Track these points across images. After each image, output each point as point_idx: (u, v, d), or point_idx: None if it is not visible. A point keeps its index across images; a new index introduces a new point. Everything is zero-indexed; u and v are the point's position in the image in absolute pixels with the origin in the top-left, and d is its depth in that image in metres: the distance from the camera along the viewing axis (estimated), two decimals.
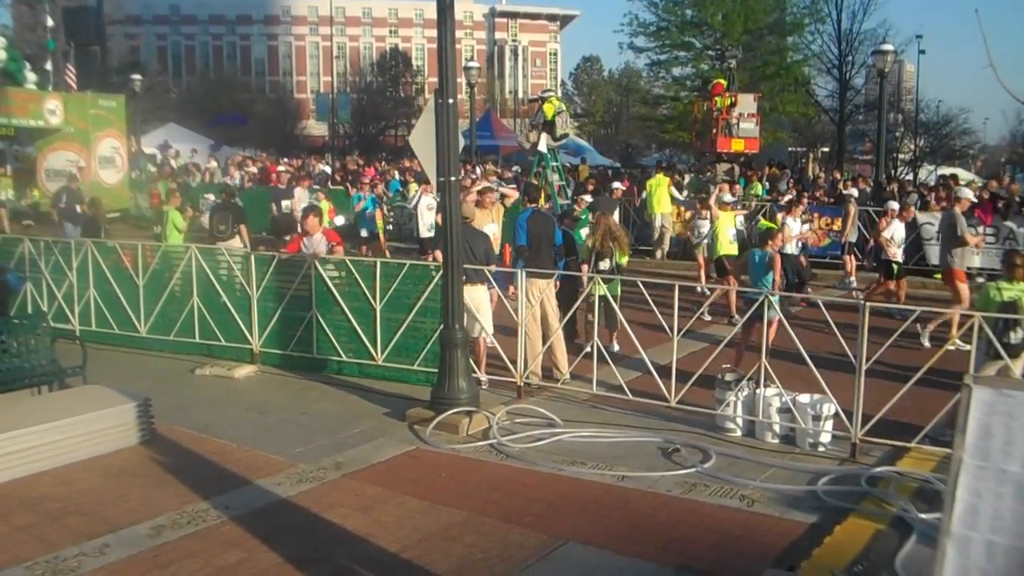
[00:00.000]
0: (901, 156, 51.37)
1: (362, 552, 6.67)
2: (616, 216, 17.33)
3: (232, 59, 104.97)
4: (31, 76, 27.00)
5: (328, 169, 35.79)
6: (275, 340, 12.24)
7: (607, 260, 12.15)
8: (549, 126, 20.49)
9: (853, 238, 19.85)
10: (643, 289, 10.30)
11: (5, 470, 8.09)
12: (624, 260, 12.64)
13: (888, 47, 26.60)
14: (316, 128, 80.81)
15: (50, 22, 31.86)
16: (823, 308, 9.29)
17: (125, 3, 69.36)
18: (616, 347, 12.23)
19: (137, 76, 40.23)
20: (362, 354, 11.56)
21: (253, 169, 32.36)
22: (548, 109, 20.63)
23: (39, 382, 10.13)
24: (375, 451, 8.88)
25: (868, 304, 8.64)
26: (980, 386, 3.86)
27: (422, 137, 9.87)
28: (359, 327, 11.51)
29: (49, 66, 27.80)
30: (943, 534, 3.82)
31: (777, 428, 9.13)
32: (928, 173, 45.12)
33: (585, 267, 12.58)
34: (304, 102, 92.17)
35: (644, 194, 23.98)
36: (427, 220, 19.34)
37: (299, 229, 13.58)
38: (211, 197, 24.33)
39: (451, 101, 9.39)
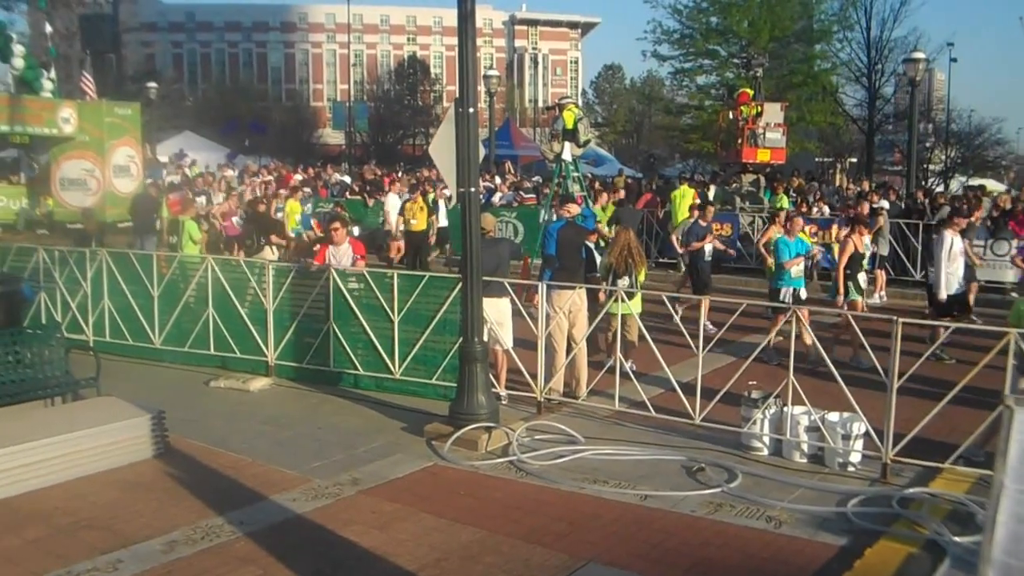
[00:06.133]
0: (932, 167, 50.82)
1: (379, 571, 6.56)
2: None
3: (248, 67, 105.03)
4: (48, 84, 26.99)
5: (347, 179, 35.65)
6: (291, 352, 12.14)
7: (626, 278, 11.92)
8: (571, 134, 20.28)
9: (884, 252, 19.51)
10: (668, 304, 10.13)
11: (18, 482, 8.02)
12: (642, 278, 12.43)
13: (919, 55, 26.33)
14: (333, 137, 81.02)
15: (48, 28, 31.81)
16: (853, 323, 9.13)
17: (141, 10, 69.67)
18: (633, 366, 11.98)
19: (152, 84, 40.29)
20: (379, 367, 11.44)
21: (269, 178, 32.29)
22: (568, 117, 20.37)
23: (52, 393, 10.07)
24: (392, 467, 8.75)
25: (900, 320, 8.44)
26: (1022, 407, 3.67)
27: (442, 147, 9.74)
28: (377, 340, 11.38)
29: (53, 74, 27.71)
30: (983, 561, 3.65)
31: (805, 447, 8.94)
32: (959, 184, 44.61)
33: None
34: (321, 110, 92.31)
35: (668, 206, 23.73)
36: None
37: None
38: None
39: (471, 110, 9.24)
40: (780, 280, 13.71)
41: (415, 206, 21.63)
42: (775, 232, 16.13)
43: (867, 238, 14.84)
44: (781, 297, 13.41)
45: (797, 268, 13.68)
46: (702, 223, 16.44)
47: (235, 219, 22.06)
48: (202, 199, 24.36)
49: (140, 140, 27.75)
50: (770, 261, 14.98)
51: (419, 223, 21.43)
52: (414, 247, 21.58)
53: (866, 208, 18.90)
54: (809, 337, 11.37)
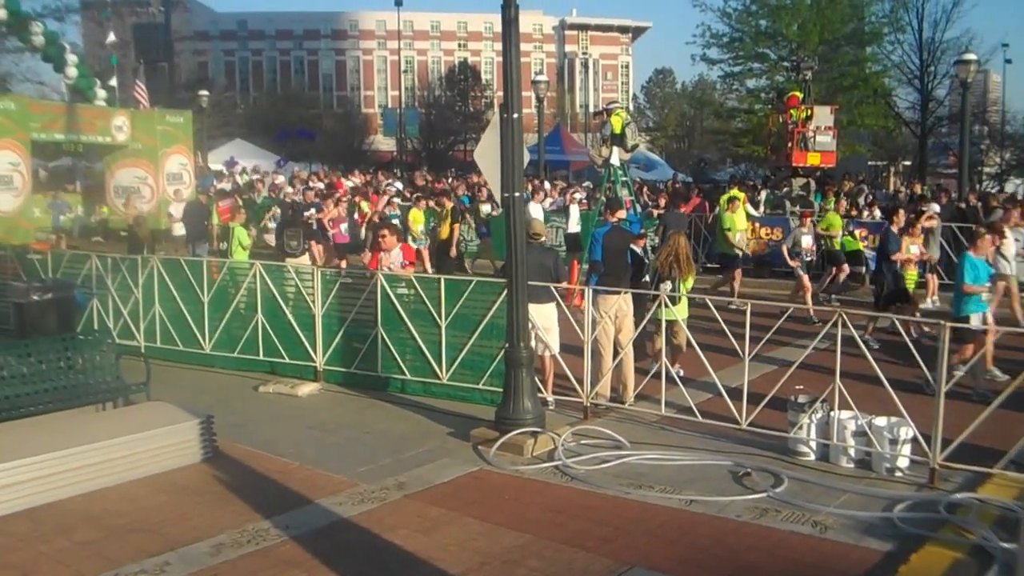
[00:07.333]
0: (987, 170, 49.96)
1: (422, 575, 6.57)
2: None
3: (299, 74, 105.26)
4: (101, 93, 27.39)
5: (399, 185, 35.79)
6: (339, 358, 12.22)
7: (670, 283, 11.84)
8: (619, 139, 20.23)
9: (936, 256, 19.08)
10: (713, 309, 10.05)
11: (69, 485, 8.14)
12: (689, 284, 12.33)
13: (971, 56, 25.92)
14: (384, 143, 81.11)
15: (112, 38, 32.25)
16: (900, 328, 9.02)
17: (193, 19, 70.41)
18: (681, 371, 11.96)
19: (204, 92, 40.65)
20: (427, 373, 11.48)
21: (320, 185, 32.50)
22: (616, 122, 20.33)
23: (104, 398, 10.20)
24: (438, 471, 8.78)
25: (948, 325, 8.33)
26: None
27: (487, 153, 9.77)
28: (424, 345, 11.41)
29: (114, 82, 28.11)
30: (1021, 565, 3.61)
31: (852, 452, 8.85)
32: (1015, 187, 43.79)
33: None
34: (372, 117, 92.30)
35: (717, 210, 23.58)
36: None
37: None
38: (276, 210, 24.50)
39: (516, 116, 9.25)
40: (966, 305, 11.50)
41: (441, 214, 21.82)
42: (910, 243, 14.94)
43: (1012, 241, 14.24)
44: (972, 323, 11.36)
45: (987, 295, 11.99)
46: (894, 229, 14.99)
47: (343, 227, 22.51)
48: (312, 211, 24.73)
49: (192, 148, 28.07)
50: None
51: (443, 231, 21.57)
52: (438, 253, 21.70)
53: (1015, 217, 17.28)
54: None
